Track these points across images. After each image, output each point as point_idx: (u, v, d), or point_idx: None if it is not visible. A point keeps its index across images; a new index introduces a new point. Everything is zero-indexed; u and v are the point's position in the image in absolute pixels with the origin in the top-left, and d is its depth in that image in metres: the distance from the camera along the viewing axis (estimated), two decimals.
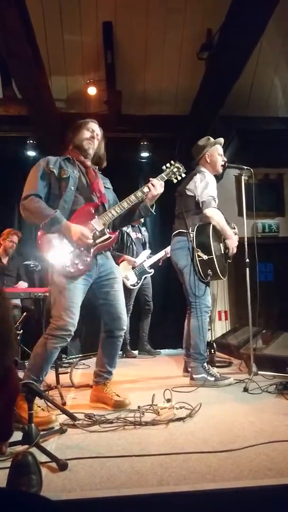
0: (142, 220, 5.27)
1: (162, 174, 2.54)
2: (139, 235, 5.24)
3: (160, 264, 5.15)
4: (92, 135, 2.53)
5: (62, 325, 2.20)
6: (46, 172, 2.36)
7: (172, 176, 2.58)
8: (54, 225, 2.23)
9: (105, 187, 2.56)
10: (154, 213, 2.56)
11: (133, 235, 5.16)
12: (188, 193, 3.22)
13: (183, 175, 2.64)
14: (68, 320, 2.20)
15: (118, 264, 4.92)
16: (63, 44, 5.00)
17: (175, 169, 2.58)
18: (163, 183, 2.51)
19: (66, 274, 2.24)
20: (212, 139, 3.37)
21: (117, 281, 2.50)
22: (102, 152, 2.61)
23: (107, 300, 2.44)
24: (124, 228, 5.10)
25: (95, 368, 2.56)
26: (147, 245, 5.30)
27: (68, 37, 4.93)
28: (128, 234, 5.12)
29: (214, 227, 3.11)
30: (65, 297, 2.23)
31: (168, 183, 2.59)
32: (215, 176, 3.33)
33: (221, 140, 3.40)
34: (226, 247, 3.21)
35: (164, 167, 2.57)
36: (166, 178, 2.55)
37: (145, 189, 2.45)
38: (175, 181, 2.61)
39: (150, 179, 2.49)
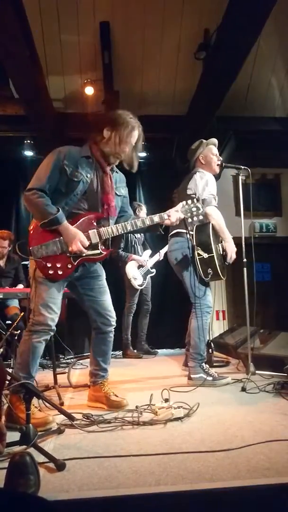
0: None
1: (181, 210, 2.42)
2: (139, 235, 5.25)
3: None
4: (128, 149, 2.36)
5: (42, 320, 2.16)
6: (61, 165, 2.23)
7: (189, 214, 2.43)
8: (53, 225, 2.18)
9: (116, 194, 2.43)
10: (163, 233, 2.50)
11: (135, 234, 5.17)
12: (189, 191, 3.21)
13: (201, 217, 2.52)
14: (46, 315, 2.16)
15: (126, 263, 4.91)
16: (60, 44, 4.99)
17: (194, 208, 2.43)
18: (182, 217, 2.42)
19: (45, 275, 2.19)
20: (204, 141, 3.36)
21: (101, 278, 2.45)
22: (138, 154, 2.45)
23: (92, 297, 2.41)
24: None
25: (89, 368, 2.55)
26: (147, 245, 5.32)
27: (65, 37, 4.93)
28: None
29: (213, 226, 3.11)
30: (44, 293, 2.19)
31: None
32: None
33: (214, 140, 3.39)
34: (223, 249, 3.21)
35: (184, 203, 2.44)
36: (183, 215, 2.43)
37: (156, 219, 2.34)
38: (189, 220, 2.47)
39: (171, 210, 2.40)
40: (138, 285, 4.92)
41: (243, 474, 1.41)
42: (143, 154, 5.66)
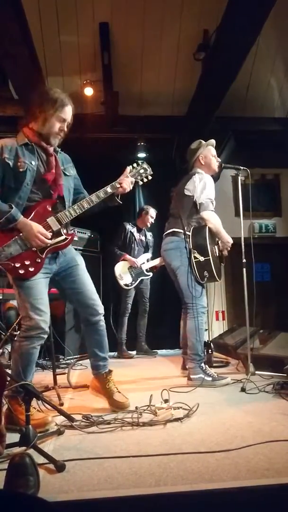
0: (149, 225, 5.24)
1: (130, 174, 2.40)
2: (143, 238, 5.26)
3: (154, 270, 5.16)
4: (63, 127, 2.24)
5: (33, 324, 2.08)
6: (1, 160, 2.12)
7: (138, 177, 2.44)
8: (10, 224, 2.06)
9: (65, 174, 2.34)
10: (121, 202, 2.42)
11: (137, 236, 5.18)
12: (187, 192, 3.21)
13: (150, 178, 2.49)
14: (37, 318, 2.08)
15: (118, 262, 4.94)
16: (60, 44, 4.99)
17: (142, 170, 2.44)
18: (133, 180, 2.40)
19: (18, 276, 2.10)
20: (203, 142, 3.37)
21: (80, 267, 2.34)
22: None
23: (74, 289, 2.31)
24: (129, 228, 5.13)
25: (90, 362, 2.46)
26: (150, 249, 5.30)
27: (64, 38, 4.93)
28: (132, 233, 5.13)
29: (210, 229, 3.11)
30: (29, 296, 2.10)
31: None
32: (211, 176, 3.33)
33: (213, 141, 3.39)
34: (220, 250, 3.22)
35: (130, 167, 2.43)
36: (133, 179, 2.41)
37: (109, 189, 2.31)
38: (140, 182, 2.47)
39: (121, 177, 2.37)
40: (124, 285, 4.93)
41: (243, 474, 1.41)
42: (143, 155, 5.68)
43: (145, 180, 2.48)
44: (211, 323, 5.80)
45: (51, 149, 2.29)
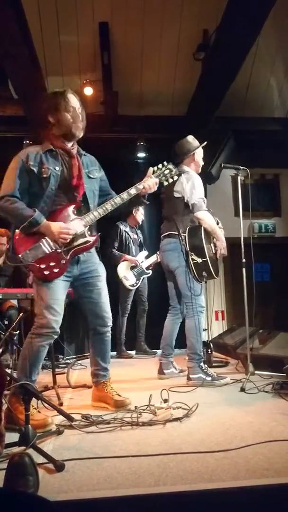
0: (140, 222, 5.27)
1: (154, 176, 2.43)
2: (135, 236, 5.26)
3: (151, 268, 5.14)
4: (76, 115, 2.28)
5: (45, 323, 2.16)
6: (26, 169, 2.21)
7: (163, 178, 2.45)
8: (34, 227, 2.15)
9: (89, 177, 2.39)
10: (148, 202, 2.47)
11: (131, 234, 5.17)
12: (176, 195, 3.22)
13: (175, 178, 2.54)
14: (50, 317, 2.16)
15: (119, 263, 4.92)
16: (60, 44, 4.99)
17: (166, 171, 2.46)
18: (158, 181, 2.42)
19: (42, 277, 2.18)
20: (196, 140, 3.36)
21: (101, 279, 2.42)
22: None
23: (91, 299, 2.39)
24: (123, 228, 5.12)
25: (91, 368, 2.55)
26: (143, 246, 5.32)
27: (64, 38, 4.93)
28: (127, 232, 5.13)
29: (205, 229, 3.12)
30: (46, 295, 2.18)
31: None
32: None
33: (204, 143, 3.37)
34: (215, 246, 3.23)
35: (155, 168, 2.46)
36: (158, 179, 2.43)
37: (132, 191, 2.33)
38: (165, 183, 2.49)
39: (145, 178, 2.40)
40: (130, 285, 4.92)
41: (243, 474, 1.41)
42: (143, 154, 5.68)
43: (170, 180, 2.48)
44: (211, 323, 5.80)
45: (74, 152, 2.34)
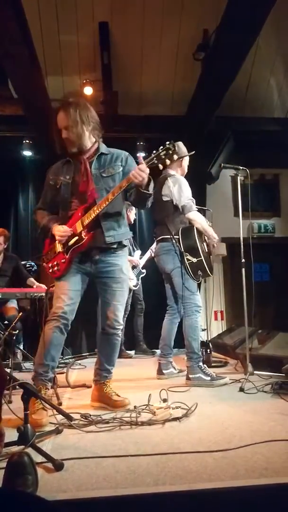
0: (132, 221, 5.24)
1: (144, 162, 2.25)
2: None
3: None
4: (64, 134, 2.32)
5: (55, 309, 2.33)
6: (48, 183, 2.49)
7: (159, 161, 2.22)
8: (46, 231, 2.44)
9: (102, 176, 2.38)
10: (151, 192, 2.33)
11: None
12: (165, 198, 3.24)
13: (175, 157, 2.32)
14: (57, 304, 2.33)
15: None
16: (59, 44, 4.99)
17: (163, 152, 2.20)
18: (145, 167, 2.23)
19: (51, 275, 2.45)
20: None
21: (117, 280, 2.42)
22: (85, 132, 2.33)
23: (104, 298, 2.47)
24: None
25: (95, 366, 2.55)
26: (136, 245, 5.33)
27: (64, 38, 4.93)
28: None
29: (197, 228, 3.13)
30: (57, 288, 2.40)
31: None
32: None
33: (192, 152, 3.30)
34: (207, 245, 3.25)
35: (151, 154, 2.27)
36: (143, 165, 2.23)
37: (123, 184, 2.23)
38: (161, 167, 2.26)
39: (135, 167, 2.26)
40: (133, 286, 4.93)
41: (241, 474, 1.41)
42: (143, 154, 5.67)
43: (167, 162, 2.22)
44: (210, 323, 5.81)
45: (84, 157, 2.39)
